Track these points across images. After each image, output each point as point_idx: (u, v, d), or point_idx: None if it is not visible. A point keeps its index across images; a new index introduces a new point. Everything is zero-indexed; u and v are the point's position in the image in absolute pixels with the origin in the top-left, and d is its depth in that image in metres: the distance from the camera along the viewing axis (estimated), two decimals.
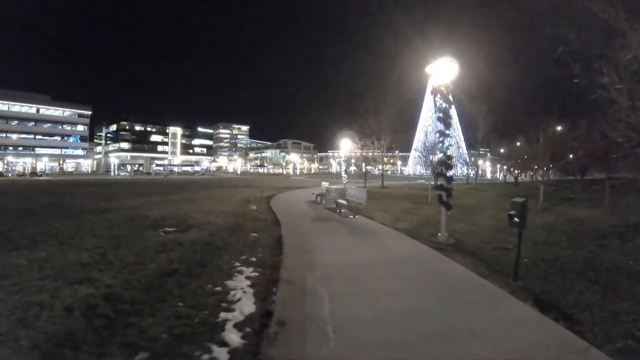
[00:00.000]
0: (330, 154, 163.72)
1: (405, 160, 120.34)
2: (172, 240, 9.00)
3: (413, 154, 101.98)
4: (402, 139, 41.17)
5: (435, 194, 9.92)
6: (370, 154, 41.46)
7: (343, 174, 39.97)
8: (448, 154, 9.72)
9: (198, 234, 9.94)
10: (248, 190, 27.79)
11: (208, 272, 6.56)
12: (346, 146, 39.43)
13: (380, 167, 40.77)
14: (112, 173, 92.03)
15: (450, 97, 9.66)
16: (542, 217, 14.79)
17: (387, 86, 37.74)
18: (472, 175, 60.71)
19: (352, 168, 46.75)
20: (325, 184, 20.46)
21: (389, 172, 46.03)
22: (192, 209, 15.45)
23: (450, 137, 9.81)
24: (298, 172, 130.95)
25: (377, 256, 8.27)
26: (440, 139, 9.74)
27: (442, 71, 9.58)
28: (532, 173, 51.49)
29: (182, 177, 78.80)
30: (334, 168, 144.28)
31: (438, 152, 9.85)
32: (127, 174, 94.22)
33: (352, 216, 14.19)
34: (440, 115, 9.71)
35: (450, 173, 9.77)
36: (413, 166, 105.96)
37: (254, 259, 7.56)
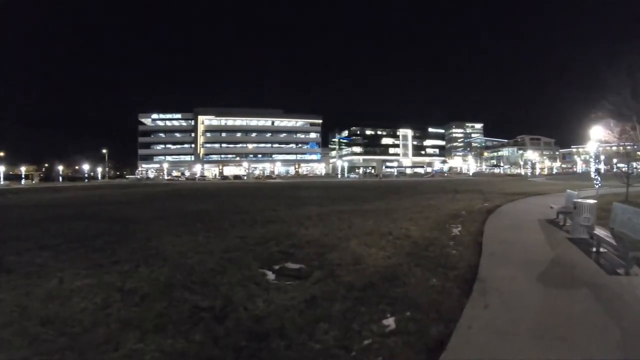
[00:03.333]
0: (574, 150, 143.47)
1: None
2: (215, 314, 4.64)
3: None
4: None
5: None
6: (629, 147, 28.88)
7: (594, 175, 29.15)
8: None
9: (303, 291, 5.27)
10: (468, 198, 21.37)
11: None
12: (597, 136, 28.39)
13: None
14: (338, 176, 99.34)
15: None
16: None
17: None
18: None
19: (602, 166, 34.35)
20: (572, 192, 12.59)
21: None
22: (368, 227, 10.82)
23: None
24: (538, 172, 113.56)
25: None
26: None
27: None
28: None
29: (411, 179, 78.84)
30: (579, 167, 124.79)
31: None
32: (356, 176, 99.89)
33: (621, 271, 6.60)
34: None
35: None
36: None
37: None
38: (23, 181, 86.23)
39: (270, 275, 6.25)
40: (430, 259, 7.08)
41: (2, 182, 74.82)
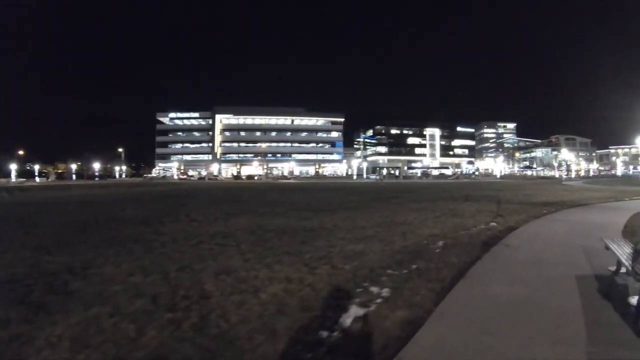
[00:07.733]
0: (612, 151, 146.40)
1: None
2: None
3: None
4: None
5: None
6: None
7: None
8: None
9: None
10: (475, 209, 15.88)
11: None
12: None
13: None
14: (354, 177, 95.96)
15: None
16: None
17: None
18: None
19: None
20: None
21: None
22: (188, 284, 7.46)
23: None
24: (573, 174, 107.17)
25: None
26: None
27: None
28: None
29: (432, 181, 75.51)
30: (619, 169, 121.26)
31: None
32: (376, 177, 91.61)
33: None
34: None
35: None
36: None
37: None
38: (37, 179, 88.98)
39: None
40: None
41: (13, 180, 76.55)
